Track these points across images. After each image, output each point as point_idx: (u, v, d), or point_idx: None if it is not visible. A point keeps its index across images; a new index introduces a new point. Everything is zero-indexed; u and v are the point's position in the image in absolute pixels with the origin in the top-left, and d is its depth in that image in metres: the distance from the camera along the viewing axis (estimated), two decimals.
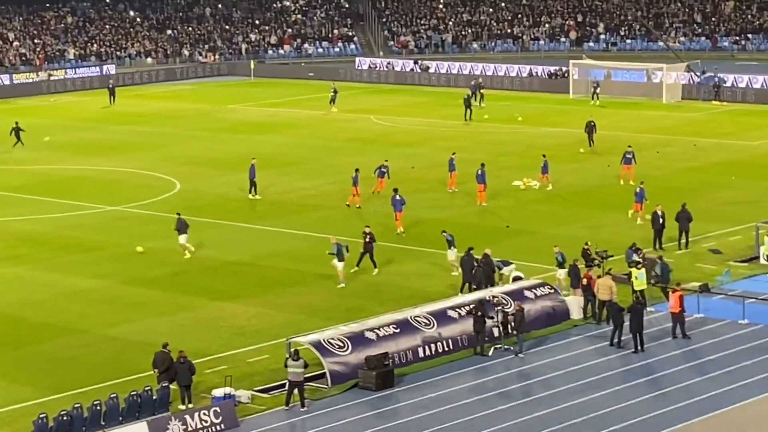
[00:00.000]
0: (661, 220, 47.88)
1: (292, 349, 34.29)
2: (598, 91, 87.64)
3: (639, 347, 36.97)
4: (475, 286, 41.83)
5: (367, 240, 45.68)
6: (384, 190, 56.50)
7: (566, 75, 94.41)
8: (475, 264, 42.13)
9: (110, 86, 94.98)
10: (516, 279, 42.07)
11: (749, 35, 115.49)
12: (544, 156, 59.93)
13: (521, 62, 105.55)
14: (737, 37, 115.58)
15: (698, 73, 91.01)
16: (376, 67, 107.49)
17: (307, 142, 74.60)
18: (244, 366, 36.38)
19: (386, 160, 58.97)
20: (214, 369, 35.81)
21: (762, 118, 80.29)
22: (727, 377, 34.84)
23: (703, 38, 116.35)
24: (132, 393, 32.74)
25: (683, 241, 48.01)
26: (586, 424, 31.92)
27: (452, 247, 45.02)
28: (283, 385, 33.92)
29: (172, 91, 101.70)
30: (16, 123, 75.06)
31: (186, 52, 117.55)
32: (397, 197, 51.66)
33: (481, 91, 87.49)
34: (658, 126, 77.48)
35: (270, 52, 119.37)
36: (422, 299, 40.88)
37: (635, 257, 42.61)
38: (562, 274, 42.37)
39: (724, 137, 73.05)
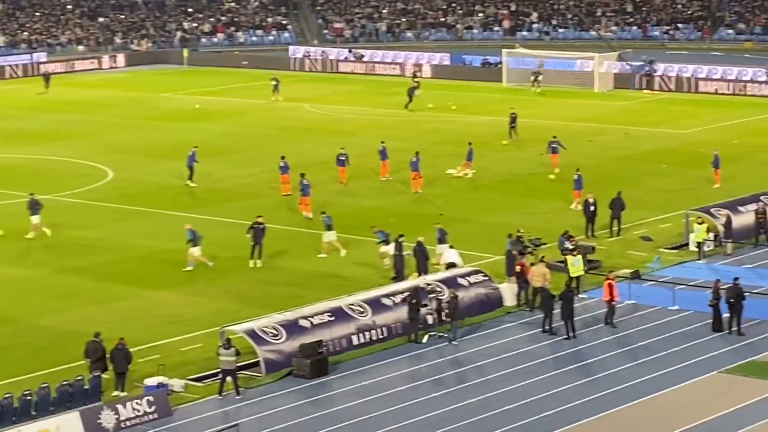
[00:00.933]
0: (592, 208, 48.27)
1: (224, 338, 34.24)
2: (540, 78, 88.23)
3: (570, 334, 37.28)
4: (395, 275, 41.84)
5: (261, 229, 45.26)
6: (345, 178, 57.22)
7: (500, 64, 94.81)
8: (398, 252, 42.20)
9: (45, 72, 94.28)
10: (450, 266, 42.25)
11: (679, 25, 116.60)
12: (470, 144, 60.34)
13: (455, 51, 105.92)
14: (668, 27, 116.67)
15: (630, 63, 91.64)
16: (310, 55, 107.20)
17: (241, 130, 74.37)
18: (178, 355, 36.26)
19: (342, 148, 59.04)
20: (147, 358, 35.66)
21: (692, 106, 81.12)
22: (657, 363, 35.22)
23: (634, 27, 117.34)
24: (63, 383, 32.54)
25: (615, 228, 48.45)
26: (518, 410, 32.15)
27: (331, 230, 45.97)
28: (217, 374, 33.86)
29: (105, 79, 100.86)
30: None
31: (118, 40, 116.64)
32: (305, 182, 51.97)
33: (416, 79, 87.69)
34: (591, 115, 78.06)
35: (203, 40, 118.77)
36: (357, 287, 40.94)
37: (568, 244, 43.00)
38: (441, 249, 43.28)
39: (656, 126, 73.71)
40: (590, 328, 38.18)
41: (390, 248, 43.36)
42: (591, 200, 48.46)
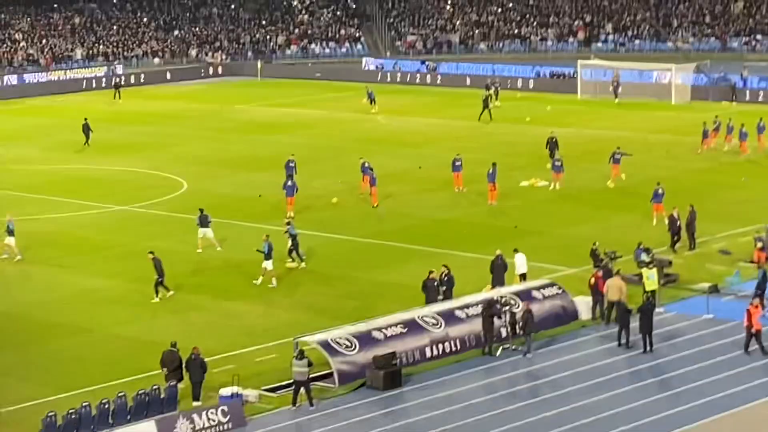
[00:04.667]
0: (678, 223, 47.50)
1: (297, 349, 34.19)
2: (619, 90, 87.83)
3: (648, 348, 36.79)
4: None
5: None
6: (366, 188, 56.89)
7: (574, 75, 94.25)
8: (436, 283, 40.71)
9: (116, 82, 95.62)
10: (522, 276, 41.91)
11: (758, 36, 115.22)
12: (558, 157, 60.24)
13: (529, 62, 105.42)
14: (747, 38, 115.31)
15: (710, 74, 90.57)
16: (383, 67, 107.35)
17: (314, 142, 74.47)
18: (252, 365, 36.26)
19: (361, 157, 58.70)
20: (222, 368, 35.68)
21: None
22: (736, 378, 34.62)
23: (712, 38, 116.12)
24: (140, 392, 32.69)
25: (691, 242, 47.79)
26: (594, 424, 31.77)
27: (208, 226, 48.77)
28: (291, 385, 33.82)
29: (179, 91, 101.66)
30: (85, 119, 75.13)
31: (193, 53, 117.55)
32: (289, 183, 54.41)
33: (489, 92, 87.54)
34: (668, 126, 77.23)
35: (277, 52, 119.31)
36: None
37: (644, 257, 42.42)
38: (269, 265, 43.93)
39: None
40: (667, 342, 37.65)
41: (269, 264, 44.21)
42: (675, 215, 47.71)
